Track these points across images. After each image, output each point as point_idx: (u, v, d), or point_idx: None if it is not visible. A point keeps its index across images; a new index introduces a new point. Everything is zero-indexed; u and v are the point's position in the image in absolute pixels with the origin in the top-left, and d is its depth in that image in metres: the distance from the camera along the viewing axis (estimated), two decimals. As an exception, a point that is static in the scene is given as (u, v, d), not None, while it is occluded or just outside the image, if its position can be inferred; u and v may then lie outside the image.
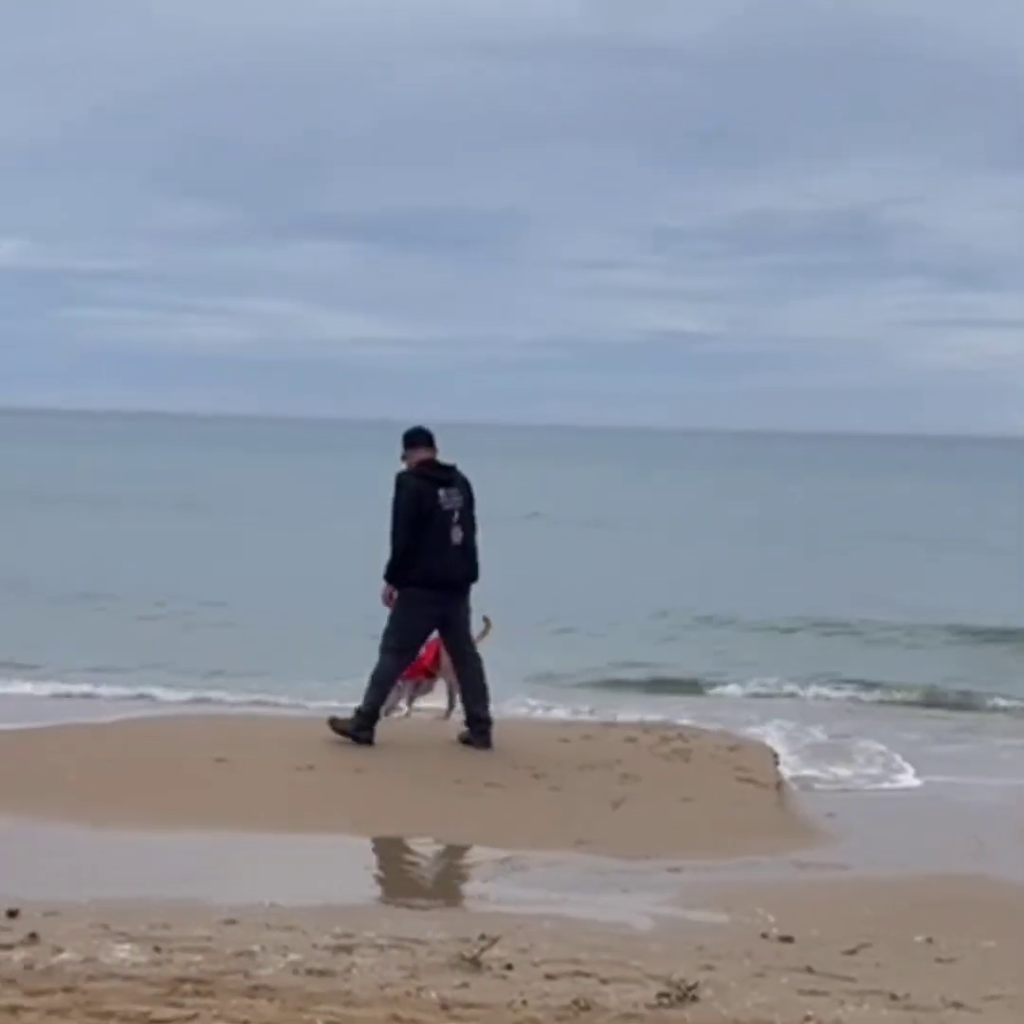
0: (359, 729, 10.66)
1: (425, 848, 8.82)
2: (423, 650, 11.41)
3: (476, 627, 11.44)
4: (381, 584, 10.83)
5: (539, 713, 13.57)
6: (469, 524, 10.83)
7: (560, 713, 13.56)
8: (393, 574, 10.78)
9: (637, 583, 25.49)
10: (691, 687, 16.09)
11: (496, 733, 10.79)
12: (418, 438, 10.98)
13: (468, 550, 10.82)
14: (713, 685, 16.11)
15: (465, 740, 10.78)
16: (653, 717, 12.63)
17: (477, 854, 8.57)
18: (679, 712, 13.48)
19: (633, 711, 13.29)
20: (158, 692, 14.57)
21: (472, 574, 10.89)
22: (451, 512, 10.74)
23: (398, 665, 10.98)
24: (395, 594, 10.77)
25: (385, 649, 10.84)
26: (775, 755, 11.14)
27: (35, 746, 10.59)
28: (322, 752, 10.26)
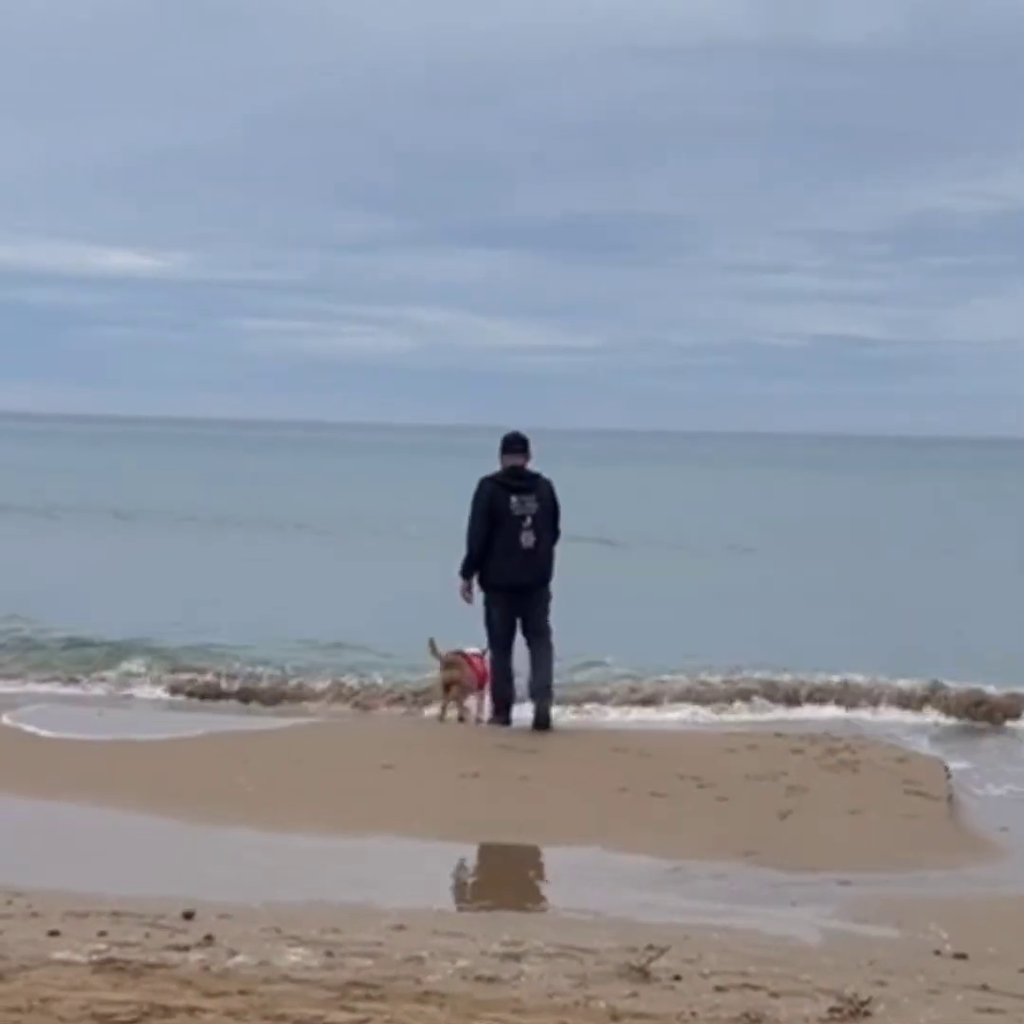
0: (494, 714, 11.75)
1: (591, 856, 8.81)
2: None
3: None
4: (458, 580, 11.63)
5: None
6: (544, 529, 11.52)
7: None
8: (464, 570, 11.60)
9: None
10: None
11: (660, 741, 10.78)
12: (509, 445, 11.70)
13: (539, 554, 11.53)
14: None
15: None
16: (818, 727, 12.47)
17: (643, 863, 8.53)
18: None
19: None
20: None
21: (540, 577, 11.59)
22: (522, 517, 11.47)
23: (499, 656, 11.71)
24: (470, 590, 11.59)
25: (489, 644, 11.75)
26: (946, 768, 10.94)
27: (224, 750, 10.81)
28: (488, 759, 10.31)
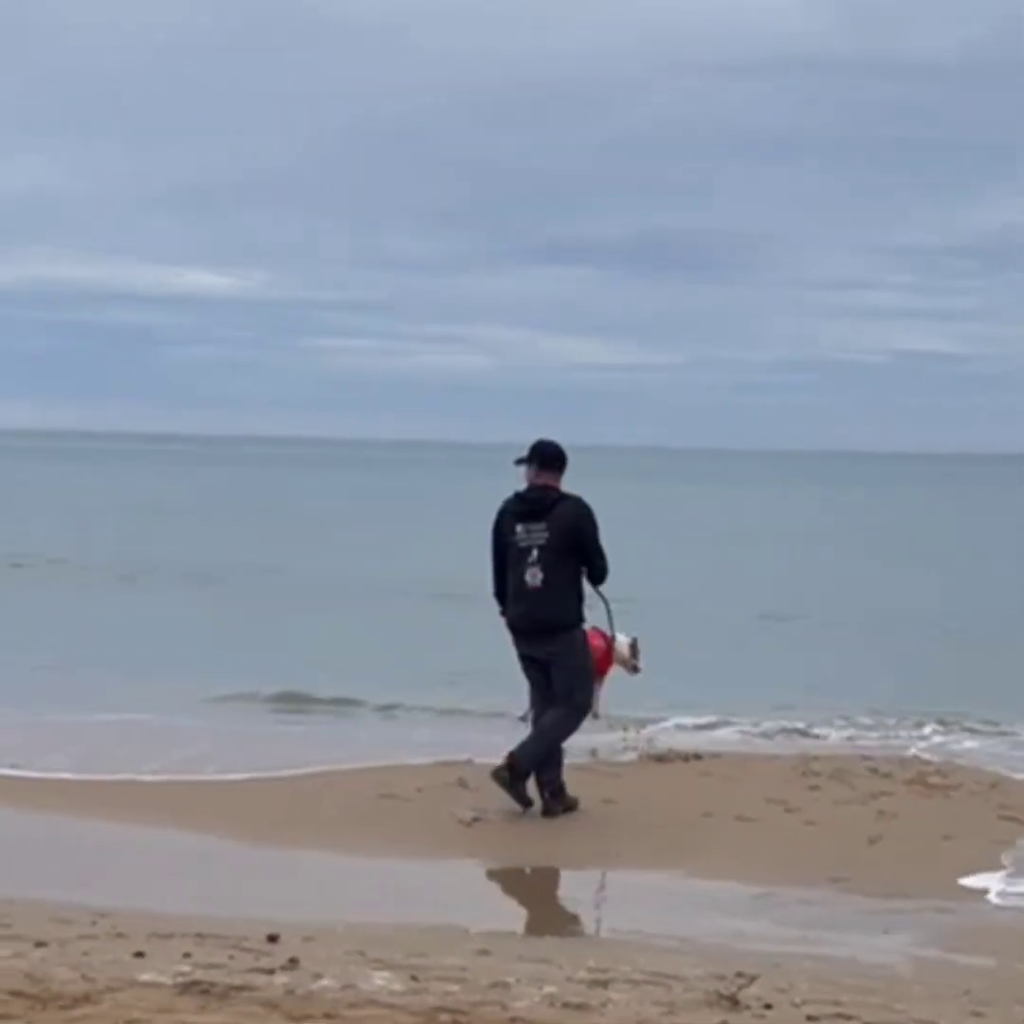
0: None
1: (677, 882, 8.71)
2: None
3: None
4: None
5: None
6: (558, 564, 9.50)
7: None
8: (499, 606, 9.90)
9: None
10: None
11: (745, 765, 10.64)
12: (532, 456, 9.74)
13: (546, 594, 9.51)
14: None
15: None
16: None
17: (731, 889, 8.41)
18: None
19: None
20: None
21: (543, 625, 9.58)
22: (527, 550, 9.52)
23: (531, 698, 9.90)
24: None
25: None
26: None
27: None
28: (570, 782, 10.21)
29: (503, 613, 9.91)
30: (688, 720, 13.34)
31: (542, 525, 9.53)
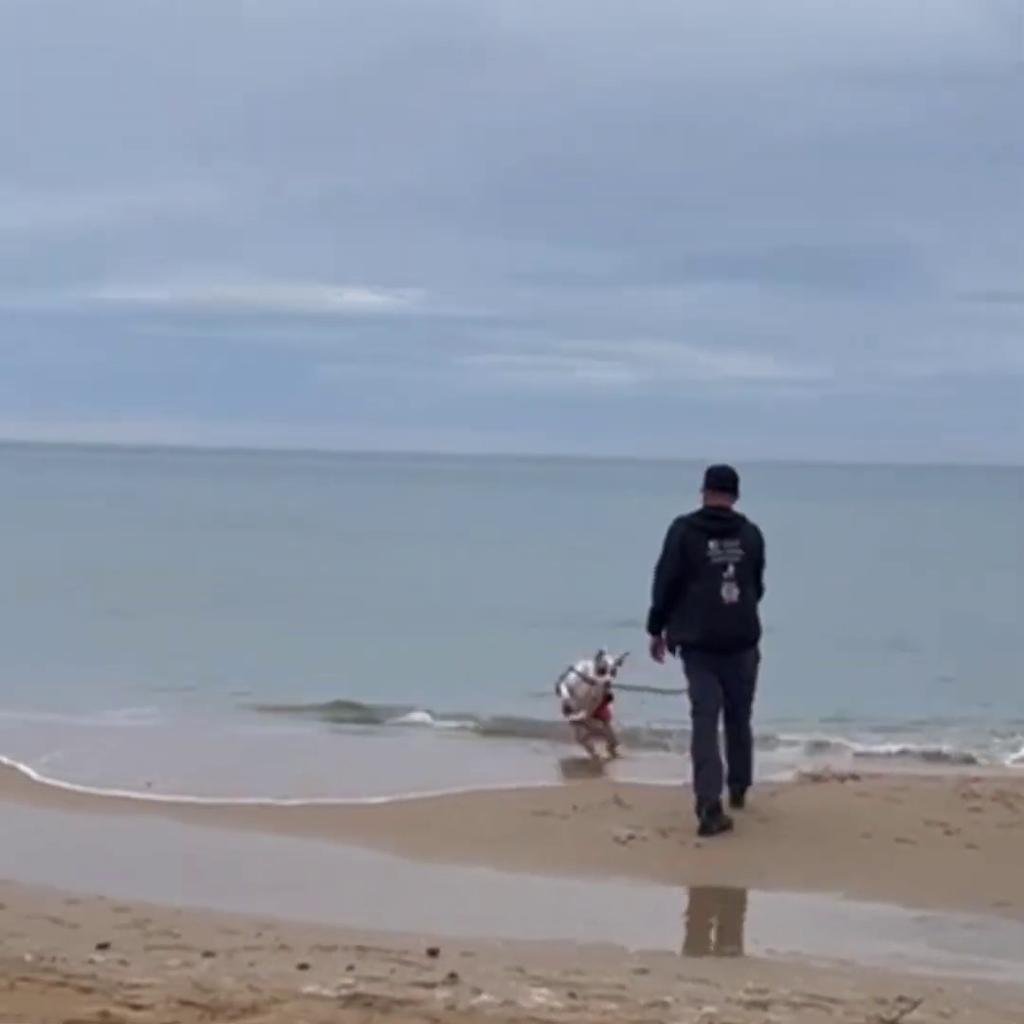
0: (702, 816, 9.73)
1: (835, 903, 8.63)
2: None
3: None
4: (646, 636, 10.06)
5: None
6: (748, 581, 9.79)
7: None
8: (651, 625, 9.96)
9: None
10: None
11: (905, 787, 10.51)
12: (715, 481, 9.99)
13: (744, 609, 9.78)
14: None
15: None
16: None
17: (891, 912, 8.32)
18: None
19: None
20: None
21: (747, 636, 9.87)
22: (722, 566, 9.71)
23: (703, 725, 9.89)
24: (662, 646, 9.95)
25: (692, 712, 9.96)
26: None
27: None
28: (727, 802, 10.15)
29: (654, 630, 9.97)
30: (857, 745, 13.29)
31: (736, 542, 9.83)
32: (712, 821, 9.68)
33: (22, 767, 11.48)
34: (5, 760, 11.66)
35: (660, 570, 9.88)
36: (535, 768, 11.88)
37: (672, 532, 9.87)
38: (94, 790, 10.88)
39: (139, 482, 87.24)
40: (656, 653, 10.07)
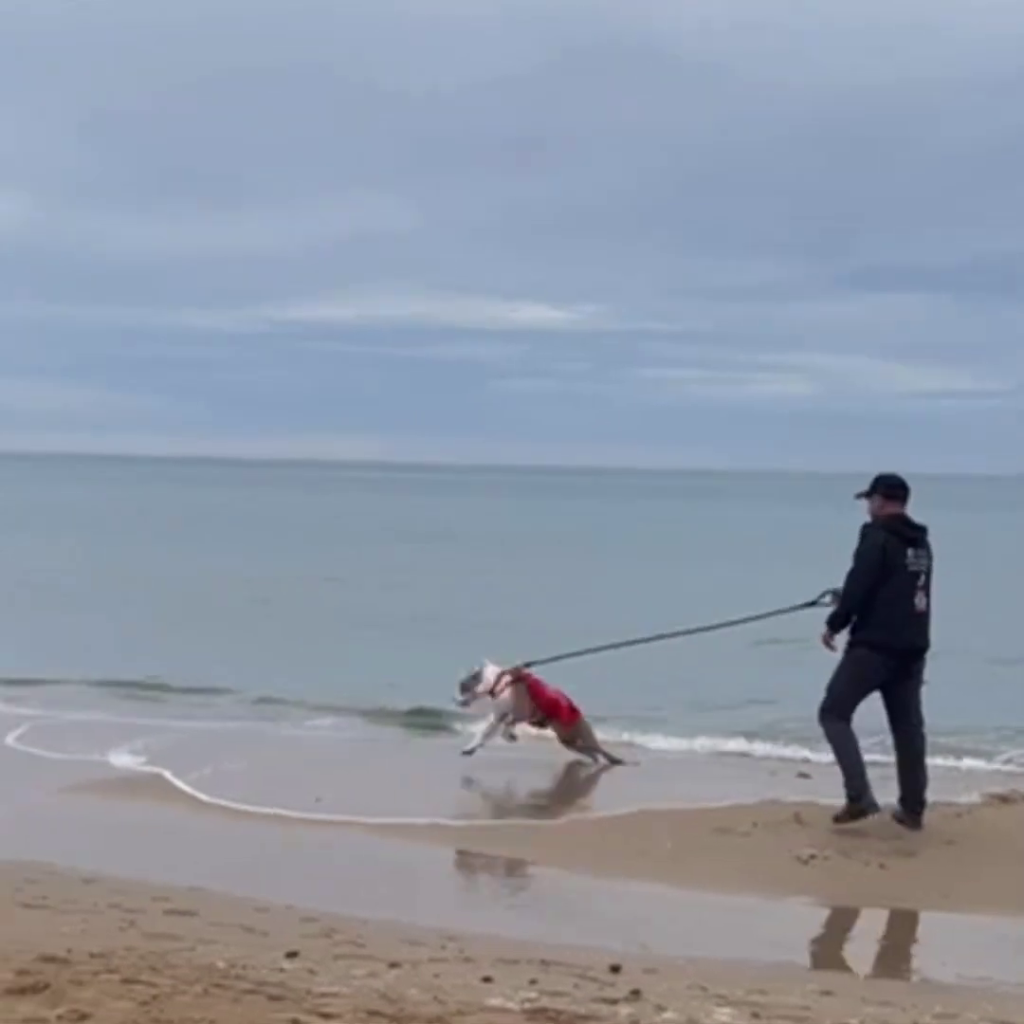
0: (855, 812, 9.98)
1: (1016, 927, 8.46)
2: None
3: None
4: (822, 627, 10.13)
5: None
6: (930, 591, 9.99)
7: None
8: (836, 621, 10.00)
9: None
10: None
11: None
12: (895, 489, 10.10)
13: (928, 619, 9.98)
14: None
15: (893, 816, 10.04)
16: None
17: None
18: None
19: None
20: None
21: (926, 646, 10.01)
22: (916, 575, 9.91)
23: (839, 728, 10.02)
24: (833, 639, 10.05)
25: (825, 709, 10.07)
26: None
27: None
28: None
29: (840, 628, 10.04)
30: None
31: (925, 552, 10.04)
32: (871, 806, 9.90)
33: (182, 783, 11.62)
34: (170, 776, 11.84)
35: (858, 575, 9.95)
36: (716, 786, 11.80)
37: (871, 538, 9.94)
38: (256, 808, 10.91)
39: (332, 498, 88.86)
40: (828, 641, 10.11)
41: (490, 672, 12.12)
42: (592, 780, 12.39)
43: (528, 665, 12.33)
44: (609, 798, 11.39)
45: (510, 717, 12.16)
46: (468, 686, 12.10)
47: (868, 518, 10.15)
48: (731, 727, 14.52)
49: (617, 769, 12.62)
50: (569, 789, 12.13)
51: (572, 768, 12.58)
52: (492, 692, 11.95)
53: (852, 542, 10.09)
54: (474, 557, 39.31)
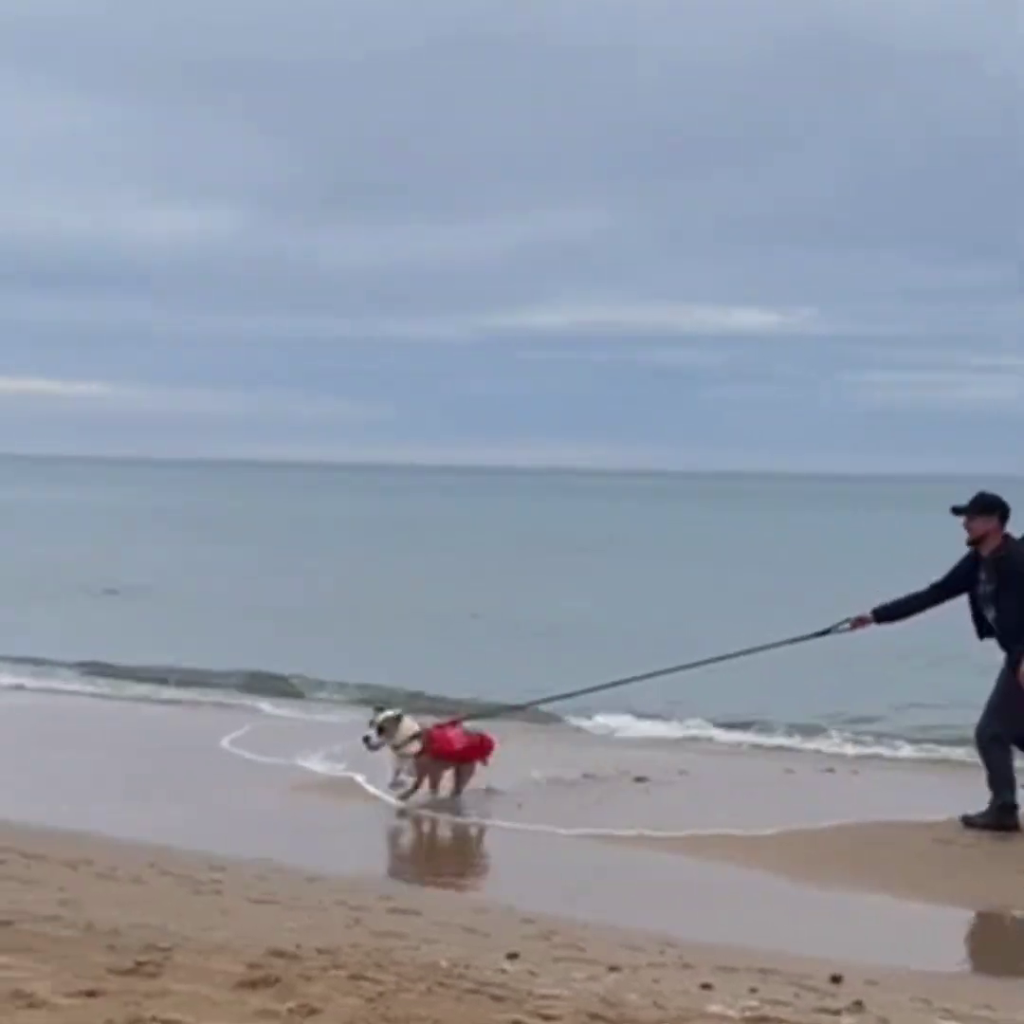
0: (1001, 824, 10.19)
1: None
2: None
3: None
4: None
5: None
6: None
7: None
8: None
9: None
10: None
11: None
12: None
13: None
14: None
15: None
16: None
17: None
18: None
19: None
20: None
21: None
22: None
23: (1005, 752, 10.35)
24: None
25: (994, 735, 10.32)
26: None
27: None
28: None
29: None
30: None
31: None
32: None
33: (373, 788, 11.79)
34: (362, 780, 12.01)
35: None
36: (937, 797, 11.57)
37: None
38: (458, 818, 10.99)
39: (544, 504, 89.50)
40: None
41: (406, 726, 11.53)
42: (797, 791, 12.26)
43: (453, 723, 11.83)
44: (818, 810, 11.18)
45: (402, 773, 11.62)
46: (385, 729, 11.43)
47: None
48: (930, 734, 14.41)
49: (824, 778, 12.56)
50: (772, 801, 11.90)
51: (776, 779, 12.50)
52: (397, 746, 11.50)
53: None
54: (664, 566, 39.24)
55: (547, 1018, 6.00)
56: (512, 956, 6.83)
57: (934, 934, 8.36)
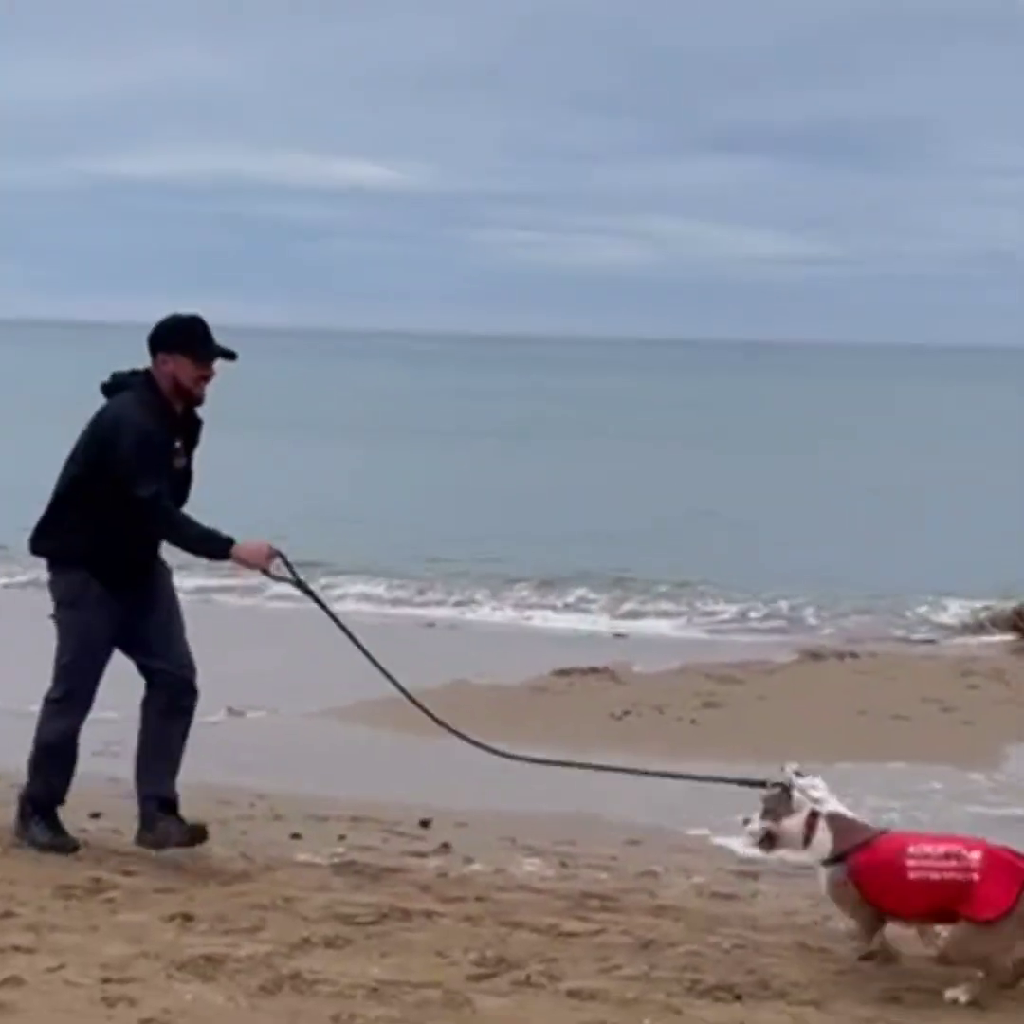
0: None
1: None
2: None
3: None
4: None
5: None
6: None
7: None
8: None
9: None
10: None
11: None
12: None
13: None
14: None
15: None
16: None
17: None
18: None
19: None
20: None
21: None
22: None
23: None
24: None
25: None
26: None
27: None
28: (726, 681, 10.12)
29: None
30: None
31: None
32: None
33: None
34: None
35: None
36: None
37: None
38: None
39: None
40: None
41: None
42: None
43: None
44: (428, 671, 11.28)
45: None
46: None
47: None
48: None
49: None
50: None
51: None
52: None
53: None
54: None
55: (129, 874, 5.89)
56: (95, 815, 6.69)
57: (523, 778, 8.54)
